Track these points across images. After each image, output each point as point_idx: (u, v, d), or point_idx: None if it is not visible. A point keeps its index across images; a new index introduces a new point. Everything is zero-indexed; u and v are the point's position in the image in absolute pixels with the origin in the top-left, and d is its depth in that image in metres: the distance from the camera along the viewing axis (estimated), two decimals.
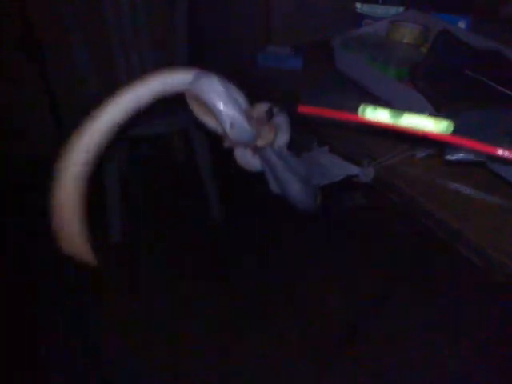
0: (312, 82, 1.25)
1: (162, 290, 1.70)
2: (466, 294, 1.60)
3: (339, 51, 1.23)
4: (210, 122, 0.59)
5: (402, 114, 0.48)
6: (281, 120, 0.64)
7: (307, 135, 0.72)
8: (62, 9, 1.56)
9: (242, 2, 1.96)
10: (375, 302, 1.62)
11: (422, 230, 0.81)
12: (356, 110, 0.51)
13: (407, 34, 1.20)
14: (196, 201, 1.97)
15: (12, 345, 1.51)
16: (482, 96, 0.90)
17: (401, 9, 1.34)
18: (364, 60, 1.18)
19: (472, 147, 0.42)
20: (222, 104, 0.55)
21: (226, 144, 0.61)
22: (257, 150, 0.65)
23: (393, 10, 1.34)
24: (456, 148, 0.60)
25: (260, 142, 0.62)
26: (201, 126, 0.61)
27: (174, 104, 0.70)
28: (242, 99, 0.60)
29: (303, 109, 0.56)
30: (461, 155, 0.63)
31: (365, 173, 0.74)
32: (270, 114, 0.60)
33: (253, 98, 0.63)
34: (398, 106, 1.06)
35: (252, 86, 1.37)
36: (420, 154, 0.86)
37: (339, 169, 0.71)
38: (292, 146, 0.66)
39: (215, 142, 0.64)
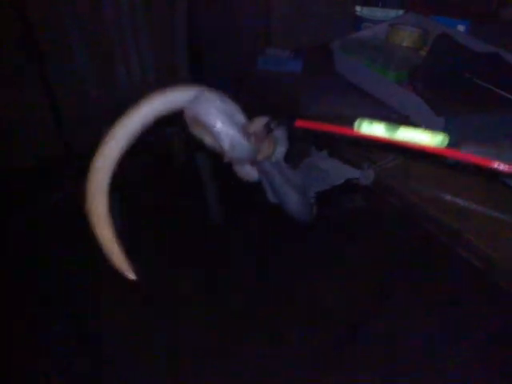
0: (312, 84, 1.25)
1: (162, 290, 1.70)
2: (466, 294, 1.60)
3: (339, 54, 1.24)
4: (208, 140, 0.59)
5: (397, 128, 0.49)
6: (279, 133, 0.64)
7: (306, 141, 0.72)
8: (61, 9, 1.56)
9: (241, 4, 1.96)
10: (375, 301, 1.62)
11: (422, 233, 0.81)
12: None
13: (406, 37, 1.20)
14: (196, 202, 1.97)
15: (12, 345, 1.51)
16: (481, 99, 0.90)
17: (400, 12, 1.35)
18: (363, 63, 1.18)
19: (468, 161, 0.43)
20: (220, 125, 0.56)
21: (226, 160, 0.61)
22: (255, 163, 0.66)
23: (392, 13, 1.35)
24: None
25: (259, 156, 0.63)
26: None
27: None
28: (239, 114, 0.60)
29: (300, 123, 0.57)
30: None
31: (365, 176, 0.74)
32: (268, 128, 0.61)
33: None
34: (397, 108, 1.07)
35: (252, 88, 1.38)
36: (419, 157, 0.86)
37: (339, 173, 0.71)
38: (291, 152, 0.67)
39: None
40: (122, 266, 0.59)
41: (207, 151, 0.61)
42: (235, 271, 1.79)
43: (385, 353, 1.49)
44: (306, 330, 1.58)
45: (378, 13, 1.35)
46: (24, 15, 1.83)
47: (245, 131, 0.58)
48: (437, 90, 0.95)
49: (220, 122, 0.55)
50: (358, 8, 1.37)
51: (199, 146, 0.61)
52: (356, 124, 0.52)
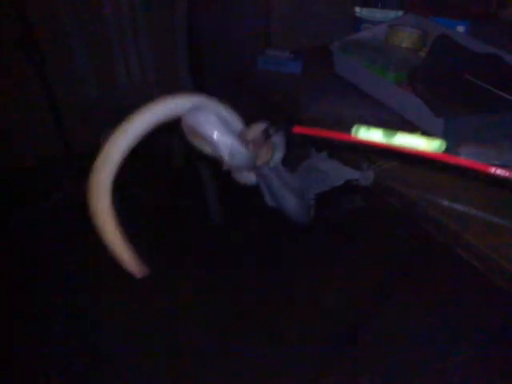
0: (311, 85, 1.26)
1: (162, 290, 1.70)
2: (466, 294, 1.60)
3: (338, 55, 1.24)
4: (206, 148, 0.59)
5: (395, 134, 0.49)
6: (276, 139, 0.64)
7: (304, 146, 0.72)
8: (61, 9, 1.56)
9: (241, 4, 1.96)
10: (375, 301, 1.62)
11: (422, 233, 0.81)
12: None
13: (406, 38, 1.20)
14: (196, 202, 1.97)
15: (12, 345, 1.51)
16: (480, 100, 0.90)
17: (399, 13, 1.35)
18: (363, 64, 1.18)
19: (465, 166, 0.43)
20: (218, 135, 0.56)
21: (225, 168, 0.61)
22: (254, 169, 0.66)
23: (391, 14, 1.35)
24: (456, 152, 0.60)
25: (258, 162, 0.63)
26: None
27: None
28: (236, 121, 0.60)
29: (298, 129, 0.57)
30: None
31: (364, 177, 0.74)
32: (266, 135, 0.61)
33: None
34: (396, 109, 1.07)
35: (252, 88, 1.38)
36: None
37: (339, 174, 0.71)
38: (289, 156, 0.67)
39: None
40: (131, 264, 0.59)
41: (207, 158, 0.61)
42: (235, 271, 1.79)
43: (385, 353, 1.49)
44: (306, 330, 1.58)
45: (377, 14, 1.36)
46: (24, 15, 1.83)
47: (243, 139, 0.58)
48: (436, 90, 0.95)
49: (217, 131, 0.56)
50: (357, 9, 1.37)
51: (198, 154, 0.61)
52: (353, 129, 0.52)
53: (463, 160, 0.43)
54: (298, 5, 1.78)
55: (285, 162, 0.67)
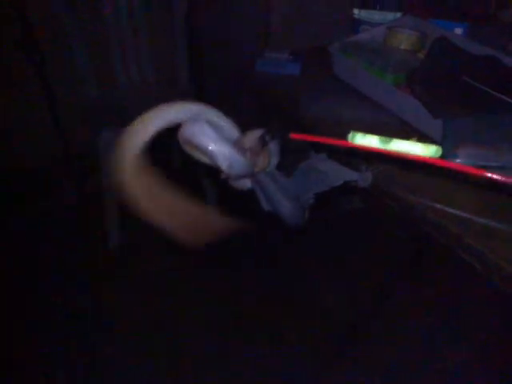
0: (310, 87, 1.26)
1: (162, 291, 1.71)
2: (466, 294, 1.60)
3: (337, 57, 1.24)
4: (204, 159, 0.60)
5: (390, 140, 0.49)
6: (272, 146, 0.65)
7: (299, 152, 0.73)
8: (61, 9, 1.56)
9: (241, 4, 1.96)
10: (375, 301, 1.62)
11: (422, 233, 0.81)
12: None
13: (404, 40, 1.20)
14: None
15: (12, 345, 1.52)
16: (478, 102, 0.90)
17: (398, 15, 1.35)
18: (361, 66, 1.18)
19: (461, 171, 0.43)
20: (214, 146, 0.56)
21: (223, 177, 0.62)
22: (251, 176, 0.66)
23: (390, 15, 1.35)
24: (454, 153, 0.60)
25: (255, 169, 0.63)
26: None
27: None
28: (232, 129, 0.60)
29: (295, 136, 0.57)
30: (458, 161, 0.63)
31: (363, 178, 0.74)
32: (263, 141, 0.61)
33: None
34: (395, 111, 1.07)
35: (251, 90, 1.38)
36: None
37: (338, 174, 0.71)
38: (285, 160, 0.67)
39: None
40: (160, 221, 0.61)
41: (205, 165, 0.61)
42: (235, 272, 1.79)
43: (385, 353, 1.49)
44: (306, 330, 1.58)
45: (375, 15, 1.36)
46: (24, 15, 1.83)
47: (240, 147, 0.59)
48: (434, 92, 0.95)
49: (213, 143, 0.56)
50: (355, 11, 1.38)
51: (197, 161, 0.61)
52: (350, 136, 0.52)
53: (458, 165, 0.43)
54: (297, 5, 1.78)
55: (280, 166, 0.67)
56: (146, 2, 1.67)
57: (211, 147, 0.56)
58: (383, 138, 0.50)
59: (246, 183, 0.69)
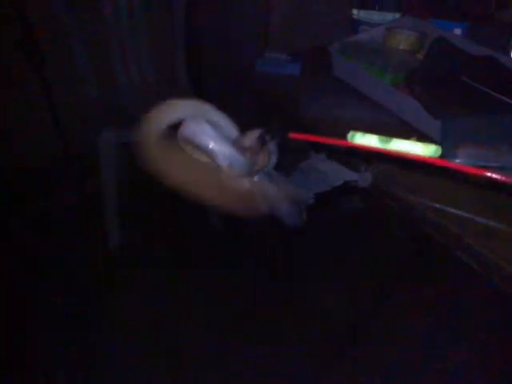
0: (310, 87, 1.26)
1: (162, 291, 1.70)
2: (466, 294, 1.60)
3: (337, 57, 1.24)
4: (203, 158, 0.60)
5: (390, 140, 0.49)
6: (271, 145, 0.65)
7: (298, 152, 0.73)
8: (61, 9, 1.56)
9: (241, 4, 1.96)
10: (375, 301, 1.62)
11: (422, 233, 0.81)
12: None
13: (403, 40, 1.20)
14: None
15: (12, 345, 1.51)
16: (477, 102, 0.90)
17: (397, 15, 1.35)
18: (361, 66, 1.18)
19: (460, 170, 0.43)
20: (214, 145, 0.56)
21: (223, 176, 0.62)
22: (250, 175, 0.66)
23: (389, 16, 1.35)
24: (454, 153, 0.60)
25: (255, 169, 0.63)
26: None
27: None
28: (232, 129, 0.61)
29: (295, 136, 0.57)
30: (457, 161, 0.63)
31: (363, 178, 0.74)
32: (262, 141, 0.61)
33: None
34: (395, 111, 1.07)
35: (251, 90, 1.38)
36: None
37: (338, 174, 0.71)
38: (284, 160, 0.68)
39: None
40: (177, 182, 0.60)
41: None
42: (235, 272, 1.79)
43: (385, 353, 1.49)
44: (306, 330, 1.58)
45: (374, 16, 1.36)
46: (24, 15, 1.83)
47: (239, 146, 0.59)
48: (434, 93, 0.95)
49: (214, 141, 0.56)
50: (354, 11, 1.38)
51: None
52: (349, 136, 0.52)
53: (458, 165, 0.43)
54: (297, 5, 1.79)
55: (279, 166, 0.68)
56: (146, 2, 1.67)
57: (211, 146, 0.56)
58: (383, 138, 0.50)
59: (245, 184, 0.69)
